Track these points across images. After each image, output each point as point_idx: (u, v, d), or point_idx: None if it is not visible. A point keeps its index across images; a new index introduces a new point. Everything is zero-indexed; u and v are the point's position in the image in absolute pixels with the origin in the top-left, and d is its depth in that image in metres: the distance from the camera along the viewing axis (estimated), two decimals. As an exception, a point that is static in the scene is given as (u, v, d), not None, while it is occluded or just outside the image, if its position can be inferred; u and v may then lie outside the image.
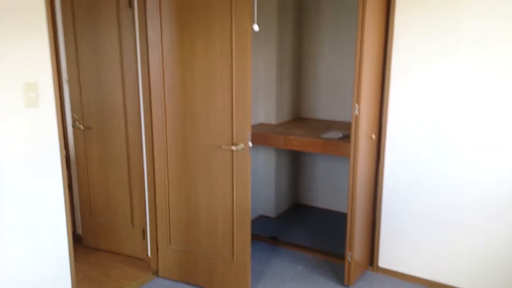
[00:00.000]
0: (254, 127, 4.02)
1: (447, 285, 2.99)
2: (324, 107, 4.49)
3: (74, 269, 2.50)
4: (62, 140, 2.35)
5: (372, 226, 3.27)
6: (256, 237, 3.91)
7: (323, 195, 4.68)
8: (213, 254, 2.99)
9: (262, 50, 4.06)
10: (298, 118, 4.57)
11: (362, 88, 2.77)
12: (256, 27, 1.55)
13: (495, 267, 2.79)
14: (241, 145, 2.72)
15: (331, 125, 4.17)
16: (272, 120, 4.24)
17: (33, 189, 2.25)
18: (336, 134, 3.55)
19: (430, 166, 2.93)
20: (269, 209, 4.47)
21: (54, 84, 2.26)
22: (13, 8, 2.04)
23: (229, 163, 2.79)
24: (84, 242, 3.66)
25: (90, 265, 3.37)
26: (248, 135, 2.70)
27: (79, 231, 3.73)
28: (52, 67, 2.23)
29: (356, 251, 3.07)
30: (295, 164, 4.75)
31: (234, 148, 2.74)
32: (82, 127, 3.40)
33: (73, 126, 3.44)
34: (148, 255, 3.33)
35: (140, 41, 2.93)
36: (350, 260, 3.05)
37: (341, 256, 3.45)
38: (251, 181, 2.87)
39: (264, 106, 4.23)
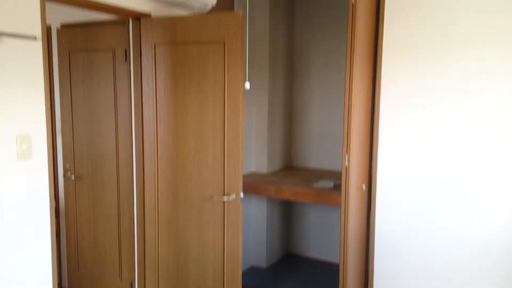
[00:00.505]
0: (245, 176, 4.03)
1: None
2: (315, 156, 4.53)
3: (58, 326, 2.41)
4: (53, 192, 2.34)
5: (365, 278, 3.21)
6: (247, 290, 3.81)
7: (315, 244, 4.62)
8: (203, 309, 2.90)
9: (254, 100, 4.16)
10: (290, 167, 4.59)
11: (352, 139, 2.83)
12: (247, 85, 1.61)
13: (491, 321, 2.73)
14: (233, 196, 2.73)
15: (322, 174, 4.19)
16: (263, 169, 4.27)
17: (20, 240, 2.21)
18: (327, 184, 3.57)
19: (421, 218, 2.93)
20: (261, 259, 4.39)
21: (47, 136, 2.28)
22: (11, 62, 2.10)
23: (220, 214, 2.77)
24: (70, 296, 3.54)
25: (75, 321, 3.23)
26: (240, 185, 2.71)
27: (65, 283, 3.61)
28: (47, 120, 2.26)
29: (349, 304, 3.00)
30: (287, 214, 4.73)
31: (225, 199, 2.74)
32: (73, 177, 3.39)
33: (64, 176, 3.43)
34: (135, 309, 3.22)
35: (134, 94, 3.00)
36: (344, 314, 2.96)
37: (335, 310, 3.36)
38: (242, 231, 2.85)
39: (256, 155, 4.27)
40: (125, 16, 2.82)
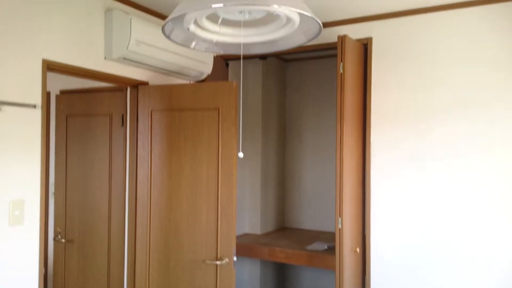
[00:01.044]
0: (238, 238, 3.99)
1: None
2: (308, 217, 4.52)
3: None
4: (43, 259, 2.30)
5: None
6: None
7: (311, 309, 4.48)
8: None
9: (247, 162, 4.22)
10: (283, 228, 4.56)
11: (344, 203, 2.85)
12: (241, 155, 1.66)
13: None
14: (226, 260, 2.70)
15: (316, 235, 4.16)
16: (257, 230, 4.23)
17: (5, 312, 2.14)
18: (321, 246, 3.53)
19: (417, 279, 2.89)
20: (254, 326, 4.22)
21: (40, 201, 2.29)
22: (10, 129, 2.15)
23: (212, 279, 2.72)
24: None
25: None
26: (233, 249, 2.69)
27: None
28: (41, 185, 2.28)
29: None
30: (281, 277, 4.62)
31: (218, 263, 2.70)
32: (63, 241, 3.34)
33: (55, 239, 3.38)
34: None
35: (130, 157, 3.04)
36: None
37: None
38: (235, 296, 2.78)
39: (249, 216, 4.25)
40: (124, 84, 2.94)
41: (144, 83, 2.99)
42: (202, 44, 1.65)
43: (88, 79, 2.72)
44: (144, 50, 2.69)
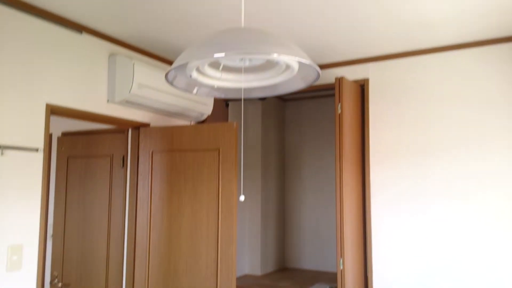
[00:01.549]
0: (239, 279, 3.91)
1: None
2: (309, 257, 4.46)
3: None
4: (39, 305, 2.25)
5: None
6: None
7: None
8: None
9: (247, 202, 4.20)
10: (284, 269, 4.48)
11: (345, 243, 2.82)
12: (242, 198, 1.67)
13: None
14: (226, 305, 2.63)
15: (317, 276, 4.09)
16: (257, 271, 4.16)
17: None
18: (323, 288, 3.47)
19: (422, 325, 2.82)
20: None
21: (39, 246, 2.26)
22: (11, 173, 2.16)
23: (213, 324, 2.65)
24: None
25: None
26: (233, 293, 2.63)
27: None
28: (40, 230, 2.26)
29: None
30: (283, 319, 4.49)
31: (218, 308, 2.63)
32: (60, 285, 3.27)
33: (51, 283, 3.30)
34: None
35: (129, 199, 3.03)
36: None
37: None
38: None
39: (249, 257, 4.19)
40: (125, 126, 2.97)
41: (146, 125, 3.02)
42: (204, 90, 1.69)
43: (90, 122, 2.75)
44: (146, 93, 2.75)
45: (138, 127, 3.00)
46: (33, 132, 2.25)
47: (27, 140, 2.22)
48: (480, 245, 2.70)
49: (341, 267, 2.80)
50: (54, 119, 3.16)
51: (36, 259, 2.25)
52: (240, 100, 3.59)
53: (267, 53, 1.35)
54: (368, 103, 3.11)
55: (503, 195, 2.67)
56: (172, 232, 2.85)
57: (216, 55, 1.32)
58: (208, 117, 3.43)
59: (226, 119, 3.94)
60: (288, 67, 1.57)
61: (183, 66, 1.49)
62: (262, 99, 4.06)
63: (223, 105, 3.85)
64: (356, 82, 3.15)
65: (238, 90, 1.75)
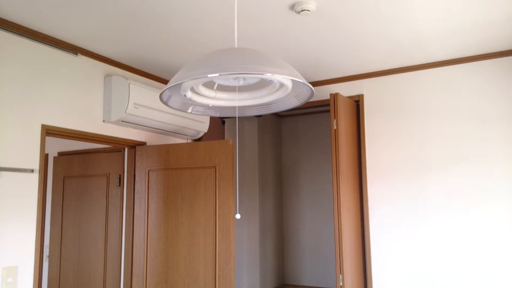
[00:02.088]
0: (238, 298, 3.86)
1: None
2: (308, 273, 4.42)
3: None
4: (34, 329, 2.21)
5: None
6: None
7: None
8: None
9: (245, 219, 4.18)
10: (283, 286, 4.44)
11: (344, 259, 2.80)
12: (238, 216, 1.67)
13: None
14: (224, 324, 2.60)
15: (317, 293, 4.04)
16: (256, 289, 4.11)
17: None
18: (323, 305, 3.42)
19: None
20: None
21: (34, 268, 2.24)
22: (6, 195, 2.15)
23: None
24: None
25: None
26: (232, 312, 2.60)
27: None
28: (36, 251, 2.24)
29: None
30: (283, 338, 4.43)
31: (217, 328, 2.60)
32: (56, 306, 3.22)
33: (47, 305, 3.26)
34: None
35: (126, 218, 3.02)
36: None
37: None
38: None
39: (248, 274, 4.15)
40: (121, 145, 2.98)
41: (142, 143, 3.03)
42: (199, 109, 1.70)
43: (86, 142, 2.76)
44: (142, 112, 2.76)
45: (134, 146, 3.01)
46: (29, 153, 2.25)
47: (23, 161, 2.22)
48: (479, 258, 2.69)
49: (341, 284, 2.78)
50: (50, 139, 3.17)
51: (32, 281, 2.22)
52: (236, 117, 3.61)
53: (261, 72, 1.36)
54: (363, 119, 3.12)
55: (501, 209, 2.67)
56: (169, 250, 2.83)
57: (210, 75, 1.34)
58: (205, 134, 3.44)
59: (222, 136, 3.95)
60: (281, 85, 1.58)
61: (178, 86, 1.51)
62: (258, 116, 4.08)
63: (219, 123, 3.86)
64: (351, 98, 3.17)
65: (233, 108, 1.76)
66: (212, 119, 3.52)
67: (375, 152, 3.07)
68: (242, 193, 4.18)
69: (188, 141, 3.43)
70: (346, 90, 3.20)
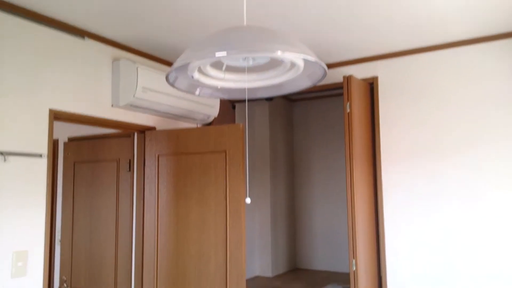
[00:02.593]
0: (249, 281, 3.86)
1: None
2: (320, 257, 4.39)
3: None
4: (46, 313, 2.22)
5: None
6: None
7: None
8: None
9: (257, 203, 4.15)
10: (295, 270, 4.42)
11: (358, 243, 2.76)
12: (248, 200, 1.62)
13: None
14: (236, 309, 2.58)
15: (329, 276, 4.02)
16: (268, 273, 4.10)
17: None
18: (335, 290, 3.40)
19: (437, 328, 2.74)
20: None
21: (44, 252, 2.23)
22: (15, 180, 2.14)
23: (223, 330, 2.60)
24: None
25: None
26: (243, 297, 2.58)
27: None
28: (45, 235, 2.24)
29: None
30: (295, 322, 4.43)
31: (228, 313, 2.59)
32: (69, 290, 3.25)
33: (60, 289, 3.29)
34: None
35: (136, 203, 3.00)
36: None
37: None
38: None
39: (260, 259, 4.14)
40: (131, 130, 2.95)
41: (151, 128, 2.99)
42: (207, 91, 1.64)
43: (95, 127, 2.73)
44: (151, 96, 2.71)
45: (143, 130, 2.97)
46: (37, 137, 2.23)
47: (31, 146, 2.20)
48: (497, 245, 2.62)
49: (354, 268, 2.74)
50: (59, 124, 3.15)
51: (42, 265, 2.22)
52: (247, 103, 3.54)
53: (271, 50, 1.30)
54: (378, 102, 3.04)
55: (519, 193, 2.58)
56: (180, 235, 2.81)
57: (218, 54, 1.27)
58: (215, 119, 3.38)
59: (233, 120, 3.90)
60: (293, 65, 1.51)
61: (184, 67, 1.45)
62: (269, 99, 4.01)
63: (230, 107, 3.81)
64: (365, 80, 3.08)
65: (242, 90, 1.70)
66: (222, 103, 3.46)
67: (389, 136, 2.99)
68: (253, 178, 4.14)
69: (198, 125, 3.39)
70: (359, 72, 3.11)
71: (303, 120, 4.60)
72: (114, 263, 3.12)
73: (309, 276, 4.08)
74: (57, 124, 3.33)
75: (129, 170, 3.09)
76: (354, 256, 2.74)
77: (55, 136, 3.57)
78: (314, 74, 1.53)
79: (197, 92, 1.63)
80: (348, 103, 2.76)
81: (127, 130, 2.95)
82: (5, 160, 2.07)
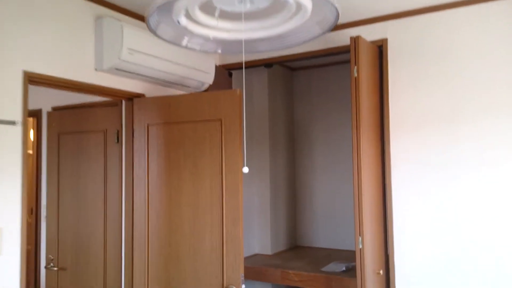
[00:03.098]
0: (248, 259, 3.70)
1: None
2: (322, 235, 4.24)
3: None
4: (25, 294, 2.04)
5: None
6: None
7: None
8: None
9: (255, 178, 3.96)
10: (296, 247, 4.27)
11: (364, 220, 2.57)
12: (245, 170, 1.41)
13: None
14: (233, 289, 2.42)
15: (331, 254, 3.88)
16: (267, 250, 3.95)
17: None
18: (338, 267, 3.24)
19: (448, 307, 2.59)
20: None
21: (22, 229, 2.03)
22: (-13, 151, 1.91)
23: (219, 311, 2.44)
24: None
25: None
26: (241, 277, 2.42)
27: None
28: (22, 210, 2.03)
29: None
30: (295, 300, 4.31)
31: (225, 293, 2.42)
32: (56, 268, 3.08)
33: (46, 268, 3.12)
34: None
35: (126, 177, 2.80)
36: None
37: None
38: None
39: (259, 236, 3.97)
40: (118, 97, 2.71)
41: (140, 96, 2.75)
42: (196, 41, 1.40)
43: (78, 93, 2.49)
44: (138, 59, 2.46)
45: (131, 98, 2.73)
46: (8, 103, 1.99)
47: (2, 112, 1.96)
48: (515, 220, 2.43)
49: (360, 246, 2.56)
50: (42, 92, 2.91)
51: (19, 243, 2.03)
52: (243, 68, 3.30)
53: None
54: (387, 66, 2.80)
55: (542, 164, 2.37)
56: (173, 211, 2.61)
57: (207, -14, 1.03)
58: (210, 86, 3.14)
59: (229, 89, 3.65)
60: (299, 8, 1.27)
61: (169, 8, 1.20)
62: (268, 66, 3.75)
63: (226, 74, 3.56)
64: (373, 43, 2.83)
65: (239, 42, 1.45)
66: (218, 71, 3.21)
67: (399, 102, 2.76)
68: (251, 151, 3.93)
69: (192, 94, 3.15)
70: (367, 34, 2.85)
71: (304, 90, 4.36)
72: (103, 241, 2.95)
73: (310, 253, 3.94)
74: (41, 93, 3.09)
75: (117, 141, 2.86)
76: (361, 233, 2.56)
77: (38, 106, 3.33)
78: (324, 19, 1.29)
79: (184, 42, 1.38)
80: (356, 67, 2.52)
81: (113, 97, 2.71)
82: (-29, 127, 1.85)
